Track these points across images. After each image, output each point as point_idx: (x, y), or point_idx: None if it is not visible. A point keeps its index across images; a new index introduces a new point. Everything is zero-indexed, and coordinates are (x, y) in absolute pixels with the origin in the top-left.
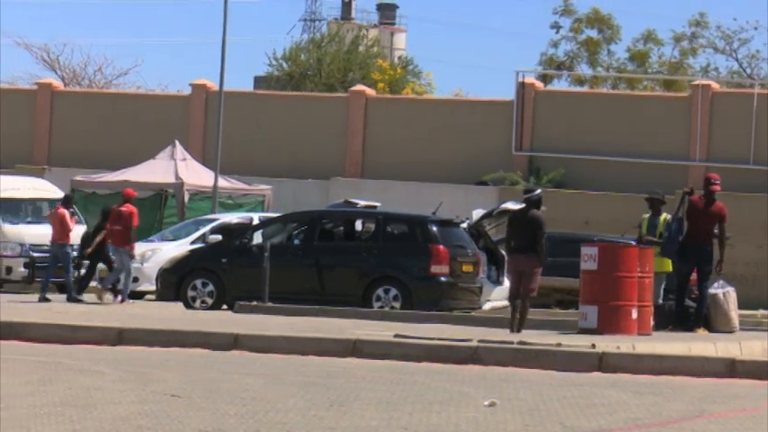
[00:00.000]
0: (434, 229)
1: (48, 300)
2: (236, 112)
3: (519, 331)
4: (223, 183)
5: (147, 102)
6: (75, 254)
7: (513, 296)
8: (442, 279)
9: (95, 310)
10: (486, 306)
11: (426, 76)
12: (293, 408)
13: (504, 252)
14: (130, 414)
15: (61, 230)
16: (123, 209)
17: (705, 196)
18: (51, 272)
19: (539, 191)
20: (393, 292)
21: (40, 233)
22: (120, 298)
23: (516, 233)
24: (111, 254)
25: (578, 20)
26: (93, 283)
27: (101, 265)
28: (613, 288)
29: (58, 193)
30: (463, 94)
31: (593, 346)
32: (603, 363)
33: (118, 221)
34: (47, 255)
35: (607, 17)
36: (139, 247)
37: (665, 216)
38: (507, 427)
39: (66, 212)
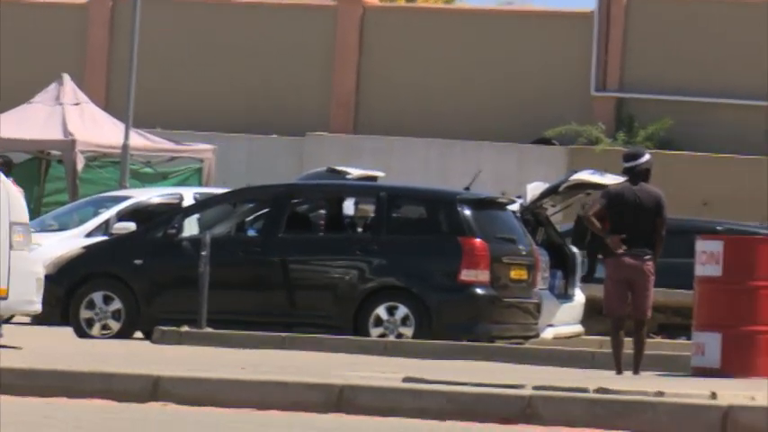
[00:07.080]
0: (467, 212)
1: None
2: (160, 30)
3: (637, 372)
4: (138, 140)
5: (14, 12)
6: None
7: (617, 319)
8: (479, 291)
9: None
10: (548, 333)
11: None
12: None
13: (575, 249)
14: None
15: None
16: None
17: None
18: None
19: (647, 155)
20: (402, 311)
21: None
22: None
23: (624, 222)
24: None
25: None
26: None
27: None
28: (747, 306)
29: None
30: (519, 5)
31: (714, 395)
32: (729, 422)
33: None
34: None
35: None
36: None
37: None
38: None
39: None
